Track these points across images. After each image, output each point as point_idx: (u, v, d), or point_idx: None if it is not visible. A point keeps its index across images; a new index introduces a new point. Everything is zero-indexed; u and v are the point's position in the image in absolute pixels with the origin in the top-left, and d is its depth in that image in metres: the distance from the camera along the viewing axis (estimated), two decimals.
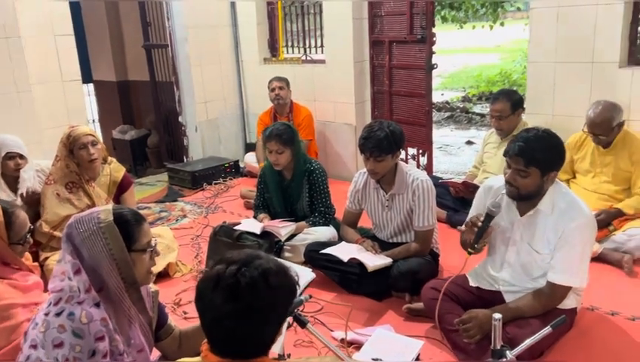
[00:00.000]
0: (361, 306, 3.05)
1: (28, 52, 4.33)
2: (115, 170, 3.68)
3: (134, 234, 1.77)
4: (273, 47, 6.08)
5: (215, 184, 5.38)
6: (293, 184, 3.64)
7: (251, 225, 3.42)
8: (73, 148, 3.46)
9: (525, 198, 2.50)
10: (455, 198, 4.16)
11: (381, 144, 2.97)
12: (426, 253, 3.14)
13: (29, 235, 2.38)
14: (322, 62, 5.51)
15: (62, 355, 1.64)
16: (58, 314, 1.68)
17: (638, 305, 2.90)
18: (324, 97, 5.48)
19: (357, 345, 2.64)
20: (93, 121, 8.59)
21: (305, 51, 5.88)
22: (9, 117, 4.02)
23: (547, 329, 1.92)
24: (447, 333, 2.61)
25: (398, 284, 3.03)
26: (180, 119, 5.92)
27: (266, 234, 3.34)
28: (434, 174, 5.14)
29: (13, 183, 3.71)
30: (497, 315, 1.88)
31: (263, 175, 3.80)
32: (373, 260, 2.98)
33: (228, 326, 1.32)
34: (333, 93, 5.39)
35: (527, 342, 1.90)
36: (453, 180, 4.33)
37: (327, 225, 3.61)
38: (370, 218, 3.40)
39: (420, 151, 5.06)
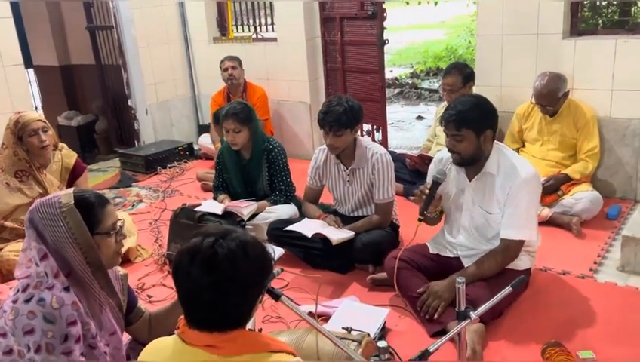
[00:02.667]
0: (326, 280, 3.09)
1: None
2: (66, 156, 3.58)
3: (97, 217, 1.74)
4: (222, 26, 5.98)
5: (170, 167, 5.30)
6: (252, 163, 3.63)
7: (212, 206, 3.40)
8: (22, 135, 3.33)
9: (469, 162, 2.62)
10: (411, 171, 4.25)
11: (340, 118, 3.00)
12: (386, 225, 3.22)
13: None
14: (274, 40, 5.47)
15: (33, 342, 1.61)
16: (27, 301, 1.64)
17: (586, 264, 3.07)
18: (277, 76, 5.45)
19: (325, 317, 2.69)
20: (36, 107, 8.26)
21: (255, 30, 5.82)
22: None
23: (508, 290, 2.02)
24: (410, 300, 2.70)
25: (361, 256, 3.09)
26: (129, 103, 5.76)
27: (227, 215, 3.32)
28: (389, 149, 5.22)
29: None
30: (461, 278, 1.96)
31: (220, 155, 3.77)
32: (337, 234, 3.03)
33: (206, 298, 1.31)
34: (287, 71, 5.36)
35: (490, 302, 2.00)
36: (409, 153, 4.42)
37: (289, 203, 3.63)
38: (331, 193, 3.44)
39: (375, 126, 5.12)
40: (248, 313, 1.41)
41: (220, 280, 1.30)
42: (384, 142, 5.06)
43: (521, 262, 2.69)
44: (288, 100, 5.43)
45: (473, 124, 2.53)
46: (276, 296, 1.73)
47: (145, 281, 3.18)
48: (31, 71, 7.64)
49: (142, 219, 4.12)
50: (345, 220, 3.25)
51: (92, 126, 6.90)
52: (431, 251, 2.85)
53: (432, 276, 2.74)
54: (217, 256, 1.31)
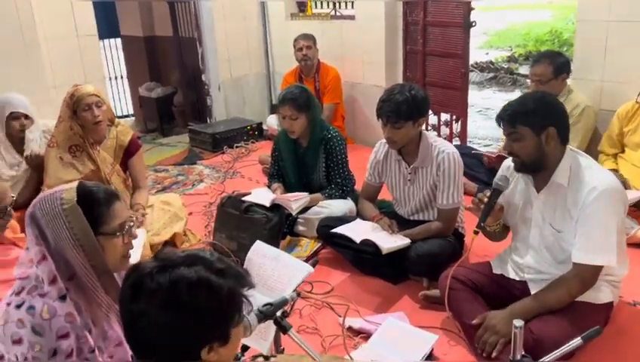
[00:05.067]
0: (374, 289, 2.81)
1: (38, 6, 4.12)
2: (122, 133, 3.47)
3: (102, 216, 1.55)
4: (301, 2, 5.71)
5: (236, 147, 5.16)
6: (309, 153, 3.37)
7: (261, 196, 3.18)
8: (77, 108, 3.26)
9: (532, 168, 2.23)
10: (488, 170, 3.81)
11: (399, 108, 2.66)
12: (448, 234, 2.86)
13: (10, 208, 2.20)
14: (352, 17, 5.13)
15: (21, 353, 1.47)
16: (18, 306, 1.50)
17: None
18: (352, 56, 5.12)
19: (365, 335, 2.42)
20: (122, 77, 8.49)
21: (334, 6, 5.50)
22: (16, 74, 3.84)
23: (577, 342, 1.63)
24: (464, 326, 2.35)
25: (414, 268, 2.76)
26: (203, 78, 5.67)
27: (276, 207, 3.10)
28: (468, 143, 4.79)
29: (19, 144, 3.57)
30: (518, 322, 1.59)
31: (277, 142, 3.54)
32: (389, 241, 2.72)
33: (128, 323, 1.16)
34: (363, 52, 5.03)
35: (552, 355, 1.63)
36: (487, 152, 3.97)
37: (344, 197, 3.35)
38: (390, 192, 3.12)
39: (454, 117, 4.69)
40: (189, 350, 1.16)
41: (137, 312, 1.13)
42: (463, 135, 4.62)
43: (602, 294, 2.24)
44: (362, 83, 5.10)
45: (530, 119, 2.14)
46: (284, 329, 1.47)
47: None
48: (118, 40, 7.86)
49: (198, 200, 4.00)
50: (402, 223, 2.93)
51: (171, 98, 6.94)
52: (494, 271, 2.47)
53: (493, 300, 2.37)
54: (142, 285, 1.13)
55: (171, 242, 3.31)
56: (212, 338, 1.16)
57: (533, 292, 2.29)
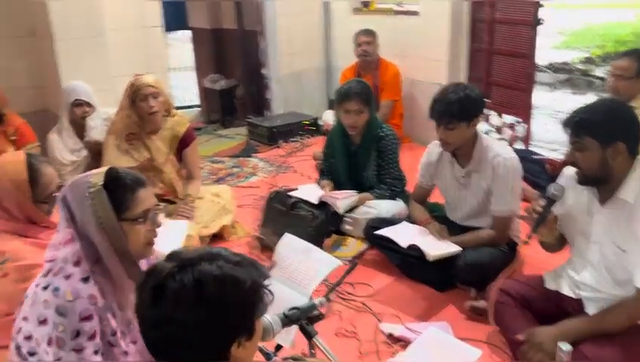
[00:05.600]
0: (418, 295, 2.71)
1: None
2: (177, 123, 3.52)
3: (126, 202, 1.56)
4: None
5: (292, 142, 5.15)
6: (361, 150, 3.30)
7: (309, 192, 3.14)
8: (135, 98, 3.33)
9: (594, 181, 2.06)
10: (551, 177, 3.60)
11: (451, 109, 2.55)
12: (502, 243, 2.71)
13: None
14: (415, 13, 4.99)
15: (46, 333, 1.50)
16: (45, 288, 1.53)
17: None
18: (414, 53, 4.98)
19: (404, 343, 2.33)
20: (185, 68, 8.67)
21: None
22: (83, 62, 3.97)
23: None
24: (510, 343, 2.21)
25: (462, 277, 2.64)
26: (263, 71, 5.69)
27: (323, 205, 3.05)
28: (534, 147, 4.56)
29: (81, 130, 3.70)
30: (565, 346, 1.49)
31: (330, 138, 3.49)
32: (436, 248, 2.61)
33: (150, 333, 1.11)
34: (425, 48, 4.87)
35: None
36: (551, 158, 3.75)
37: (394, 198, 3.25)
38: (443, 195, 2.99)
39: (518, 119, 4.47)
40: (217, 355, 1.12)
41: (162, 318, 1.08)
42: (526, 138, 4.40)
43: None
44: (423, 81, 4.94)
45: (598, 131, 1.96)
46: (309, 336, 1.41)
47: None
48: (188, 32, 8.02)
49: (250, 193, 4.01)
50: (454, 229, 2.81)
51: (234, 91, 7.01)
52: (546, 286, 2.30)
53: (544, 318, 2.21)
54: (165, 289, 1.08)
55: (220, 235, 3.33)
56: (240, 332, 1.12)
57: (588, 311, 2.12)
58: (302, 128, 5.29)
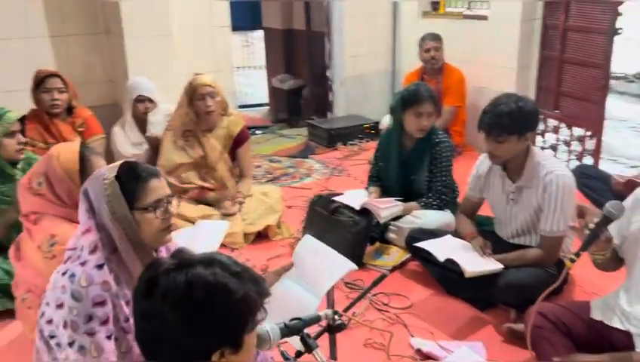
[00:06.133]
0: (456, 312, 2.62)
1: None
2: (232, 123, 3.61)
3: (136, 192, 1.63)
4: (434, 0, 5.49)
5: (350, 145, 5.12)
6: (415, 154, 3.23)
7: (353, 198, 3.10)
8: (193, 97, 3.45)
9: None
10: (616, 195, 3.36)
11: (501, 120, 2.43)
12: (550, 264, 2.56)
13: None
14: (484, 18, 4.82)
15: (62, 317, 1.58)
16: (63, 274, 1.62)
17: None
18: (480, 59, 4.82)
19: (434, 361, 2.25)
20: (260, 67, 8.85)
21: (469, 5, 5.21)
22: (150, 59, 4.13)
23: None
24: None
25: (502, 297, 2.52)
26: (327, 73, 5.70)
27: (366, 212, 3.01)
28: (613, 161, 4.29)
29: (143, 125, 3.86)
30: None
31: (382, 142, 3.45)
32: (476, 264, 2.50)
33: (138, 322, 1.15)
34: (493, 54, 4.70)
35: None
36: (617, 174, 3.50)
37: (442, 207, 3.16)
38: (492, 210, 2.87)
39: (588, 132, 4.21)
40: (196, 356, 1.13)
41: (150, 309, 1.11)
42: (596, 153, 4.14)
43: None
44: (489, 88, 4.75)
45: None
46: (309, 348, 1.39)
47: (272, 263, 3.06)
48: (260, 32, 8.19)
49: (301, 194, 4.03)
50: (500, 246, 2.68)
51: (300, 91, 7.08)
52: (592, 314, 2.15)
53: (585, 348, 2.07)
54: (157, 282, 1.11)
55: (264, 234, 3.37)
56: (223, 342, 1.12)
57: (639, 348, 1.97)
58: (362, 132, 5.25)
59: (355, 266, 1.75)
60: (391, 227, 3.14)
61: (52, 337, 1.61)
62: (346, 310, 1.88)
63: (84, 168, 2.18)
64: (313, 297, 1.72)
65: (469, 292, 2.67)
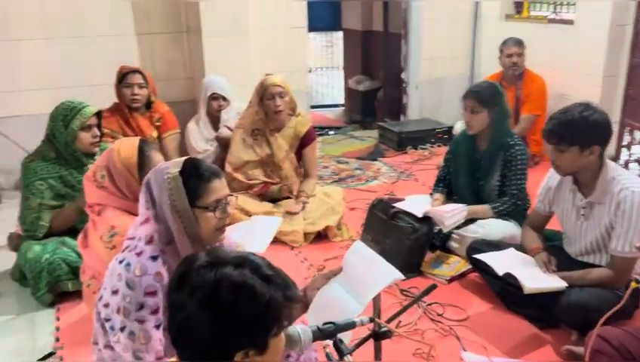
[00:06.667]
0: (514, 329, 2.51)
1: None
2: (300, 123, 3.65)
3: (199, 190, 1.69)
4: (518, 2, 5.28)
5: (421, 149, 5.04)
6: (486, 156, 3.12)
7: (416, 204, 3.04)
8: (263, 96, 3.53)
9: None
10: None
11: (559, 129, 2.31)
12: (620, 286, 2.39)
13: None
14: (570, 22, 4.59)
15: (116, 303, 1.67)
16: (121, 262, 1.71)
17: None
18: (565, 66, 4.59)
19: None
20: (337, 68, 8.88)
21: (555, 8, 4.97)
22: (227, 58, 4.27)
23: None
24: None
25: (563, 317, 2.39)
26: (402, 75, 5.64)
27: (426, 219, 2.95)
28: None
29: (216, 122, 3.99)
30: None
31: (453, 143, 3.38)
32: (537, 280, 2.38)
33: (169, 314, 1.18)
34: (578, 61, 4.48)
35: None
36: None
37: (514, 212, 3.04)
38: (561, 225, 2.73)
39: None
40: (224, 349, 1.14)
41: (179, 302, 1.14)
42: None
43: None
44: (572, 96, 4.46)
45: None
46: (341, 353, 1.39)
47: (329, 264, 3.07)
48: (340, 33, 8.22)
49: (365, 197, 4.00)
50: (567, 263, 2.54)
51: (375, 93, 7.04)
52: None
53: None
54: (189, 277, 1.14)
55: (325, 234, 3.39)
56: (247, 344, 1.13)
57: None
58: (434, 136, 5.15)
59: (401, 276, 1.73)
60: (453, 235, 3.06)
61: (107, 320, 1.71)
62: (390, 319, 1.85)
63: (143, 162, 2.28)
64: (357, 304, 1.71)
65: (529, 310, 2.55)
